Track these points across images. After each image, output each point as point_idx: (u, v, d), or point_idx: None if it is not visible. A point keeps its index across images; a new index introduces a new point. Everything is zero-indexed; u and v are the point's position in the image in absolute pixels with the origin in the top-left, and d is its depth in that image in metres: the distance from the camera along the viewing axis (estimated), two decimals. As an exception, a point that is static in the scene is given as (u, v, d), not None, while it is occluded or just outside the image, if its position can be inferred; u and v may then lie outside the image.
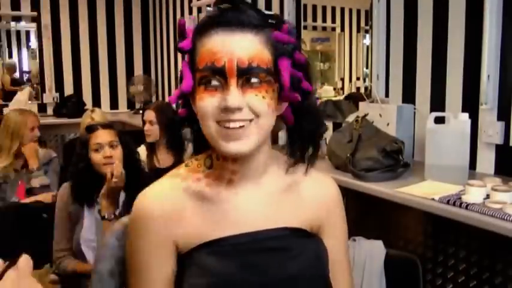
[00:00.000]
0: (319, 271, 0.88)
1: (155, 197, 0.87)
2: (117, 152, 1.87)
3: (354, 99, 2.76)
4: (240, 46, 0.78)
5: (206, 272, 0.81)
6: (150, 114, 2.76)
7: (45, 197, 2.53)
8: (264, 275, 0.83)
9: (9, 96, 4.58)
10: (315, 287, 0.87)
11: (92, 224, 1.85)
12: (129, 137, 2.04)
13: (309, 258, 0.87)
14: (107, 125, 1.95)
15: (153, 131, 2.76)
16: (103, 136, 1.85)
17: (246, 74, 0.78)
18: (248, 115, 0.79)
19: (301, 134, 0.89)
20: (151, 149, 2.81)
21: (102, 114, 3.24)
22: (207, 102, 0.79)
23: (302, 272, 0.86)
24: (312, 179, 0.94)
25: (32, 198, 2.52)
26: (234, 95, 0.77)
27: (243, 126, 0.79)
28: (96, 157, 1.82)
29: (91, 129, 1.89)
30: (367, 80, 2.76)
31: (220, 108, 0.78)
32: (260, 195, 0.88)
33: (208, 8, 0.96)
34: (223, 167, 0.86)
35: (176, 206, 0.86)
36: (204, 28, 0.80)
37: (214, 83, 0.78)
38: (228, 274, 0.82)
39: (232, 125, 0.78)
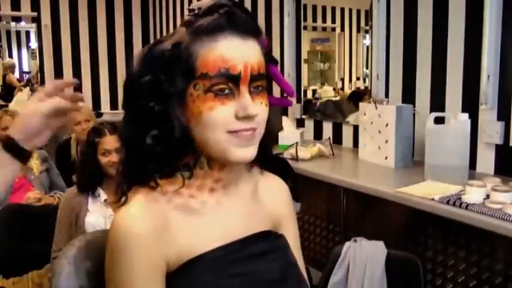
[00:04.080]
0: (296, 266, 0.90)
1: (140, 214, 0.79)
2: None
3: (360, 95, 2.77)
4: (251, 53, 0.78)
5: (199, 286, 0.79)
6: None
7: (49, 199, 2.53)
8: (256, 282, 0.83)
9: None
10: (297, 281, 0.89)
11: (97, 209, 1.95)
12: None
13: (286, 256, 0.89)
14: (113, 129, 2.04)
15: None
16: (110, 142, 1.99)
17: (255, 81, 0.78)
18: (255, 123, 0.79)
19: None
20: None
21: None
22: (219, 112, 0.76)
23: (287, 271, 0.87)
24: (267, 178, 0.96)
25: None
26: (251, 103, 0.77)
27: (253, 133, 0.79)
28: (104, 160, 1.98)
29: (99, 133, 2.02)
30: (367, 80, 2.76)
31: (235, 116, 0.77)
32: (238, 201, 0.88)
33: (193, 7, 0.92)
34: (208, 176, 0.84)
35: (162, 222, 0.79)
36: (210, 31, 0.77)
37: (227, 90, 0.76)
38: (221, 285, 0.81)
39: (245, 132, 0.78)
